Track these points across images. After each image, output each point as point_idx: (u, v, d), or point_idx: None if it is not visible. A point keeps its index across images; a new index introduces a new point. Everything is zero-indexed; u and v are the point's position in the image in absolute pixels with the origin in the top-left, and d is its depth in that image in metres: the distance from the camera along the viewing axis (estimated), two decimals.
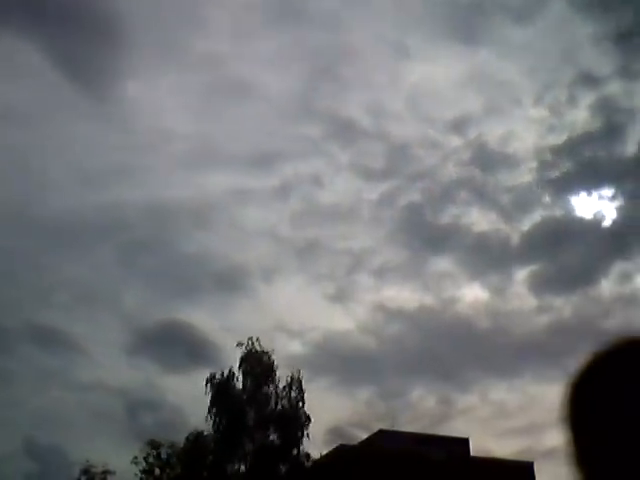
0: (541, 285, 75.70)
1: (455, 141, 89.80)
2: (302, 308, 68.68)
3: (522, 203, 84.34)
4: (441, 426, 66.39)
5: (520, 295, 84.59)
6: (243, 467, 27.12)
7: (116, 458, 42.36)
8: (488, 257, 75.40)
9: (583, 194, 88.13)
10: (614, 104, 79.31)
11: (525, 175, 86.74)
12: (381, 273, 79.45)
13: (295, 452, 27.36)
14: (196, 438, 27.45)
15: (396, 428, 33.63)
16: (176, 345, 53.11)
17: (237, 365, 28.20)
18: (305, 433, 27.61)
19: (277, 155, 77.27)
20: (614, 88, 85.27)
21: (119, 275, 65.71)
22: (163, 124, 74.83)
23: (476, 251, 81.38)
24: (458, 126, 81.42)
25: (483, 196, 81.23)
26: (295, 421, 27.49)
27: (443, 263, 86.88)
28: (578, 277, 77.63)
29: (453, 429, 60.06)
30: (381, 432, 33.30)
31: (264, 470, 26.36)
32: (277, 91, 79.20)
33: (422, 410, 61.51)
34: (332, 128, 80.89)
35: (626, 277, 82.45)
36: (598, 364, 1.21)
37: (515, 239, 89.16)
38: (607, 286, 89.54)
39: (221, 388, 27.76)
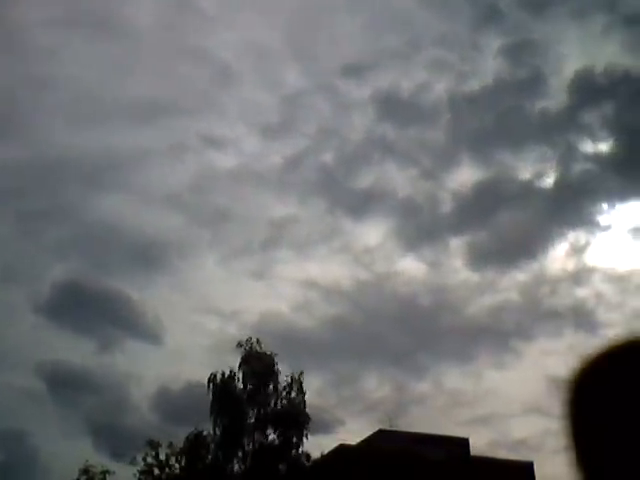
0: (480, 258, 71.36)
1: (355, 91, 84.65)
2: (224, 287, 65.49)
3: (444, 162, 78.03)
4: (399, 417, 62.80)
5: (459, 270, 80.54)
6: (243, 467, 27.10)
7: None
8: (418, 225, 70.66)
9: (509, 151, 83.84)
10: (532, 49, 74.77)
11: (441, 130, 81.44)
12: (303, 245, 74.21)
13: (295, 452, 27.34)
14: (195, 438, 27.37)
15: (395, 428, 33.61)
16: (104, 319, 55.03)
17: (237, 365, 28.31)
18: (305, 433, 27.65)
19: (165, 108, 71.03)
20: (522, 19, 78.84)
21: (24, 249, 61.90)
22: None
23: (404, 219, 76.37)
24: (356, 73, 75.68)
25: (399, 155, 75.47)
26: (295, 421, 27.45)
27: (370, 233, 79.35)
28: (519, 248, 73.02)
29: (413, 420, 56.90)
30: (381, 432, 33.24)
31: (264, 470, 26.33)
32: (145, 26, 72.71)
33: (376, 399, 58.35)
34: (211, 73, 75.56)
35: (573, 248, 78.93)
36: (598, 364, 1.19)
37: (445, 204, 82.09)
38: (552, 259, 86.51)
39: (222, 388, 27.79)
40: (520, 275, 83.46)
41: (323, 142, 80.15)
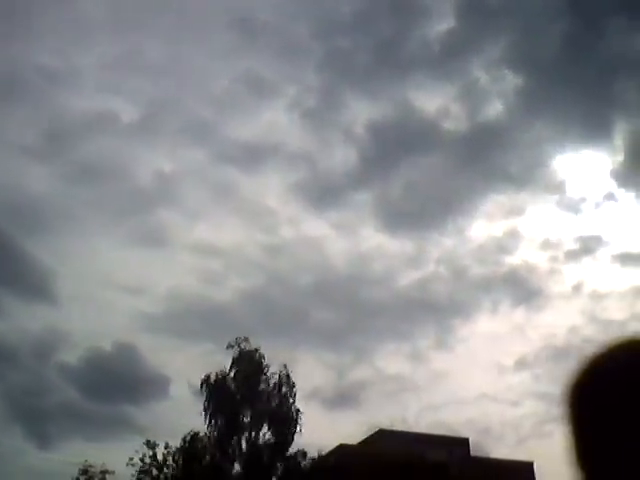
0: (394, 220, 66.02)
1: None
2: (118, 257, 60.19)
3: (332, 103, 69.12)
4: (345, 404, 57.28)
5: (372, 234, 73.48)
6: (239, 466, 27.12)
7: None
8: (317, 179, 63.64)
9: (401, 85, 71.80)
10: None
11: (317, 66, 73.10)
12: (192, 205, 66.97)
13: (290, 449, 27.44)
14: (192, 438, 27.31)
15: (396, 428, 33.55)
16: None
17: (229, 365, 28.43)
18: (298, 428, 27.73)
19: None
20: None
21: None
22: None
23: (301, 172, 70.39)
24: None
25: (268, 93, 70.62)
26: (287, 417, 27.52)
27: (267, 191, 72.19)
28: (435, 206, 66.78)
29: (363, 408, 52.53)
30: (381, 432, 33.19)
31: (260, 469, 26.32)
32: None
33: (313, 387, 56.28)
34: None
35: (496, 207, 73.59)
36: (599, 364, 1.19)
37: (342, 152, 76.03)
38: (474, 220, 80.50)
39: (215, 389, 27.87)
40: (443, 240, 74.93)
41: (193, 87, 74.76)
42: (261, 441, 27.57)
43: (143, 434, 45.60)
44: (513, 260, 78.83)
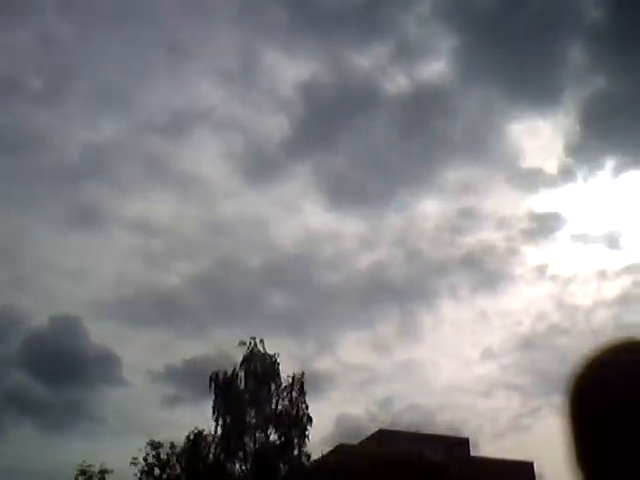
0: (337, 195, 61.83)
1: None
2: (51, 237, 57.68)
3: (252, 62, 64.72)
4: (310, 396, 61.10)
5: (316, 210, 67.46)
6: (244, 467, 27.04)
7: None
8: (249, 148, 59.55)
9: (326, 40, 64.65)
10: None
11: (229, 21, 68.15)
12: (118, 182, 62.33)
13: (296, 452, 27.25)
14: (196, 438, 27.24)
15: (395, 428, 33.58)
16: None
17: (238, 365, 28.30)
18: (306, 434, 27.61)
19: None
20: None
21: None
22: None
23: (232, 141, 65.40)
24: None
25: (185, 56, 64.90)
26: (296, 422, 27.39)
27: (200, 161, 66.81)
28: (382, 180, 61.65)
29: (329, 400, 49.20)
30: (381, 432, 33.24)
31: (265, 470, 26.25)
32: None
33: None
34: None
35: (447, 180, 65.93)
36: (599, 365, 1.19)
37: (274, 118, 70.51)
38: (424, 195, 72.85)
39: (224, 388, 27.76)
40: (393, 219, 70.26)
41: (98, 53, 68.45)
42: (267, 443, 27.55)
43: (98, 422, 45.26)
44: (468, 240, 71.43)
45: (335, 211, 70.02)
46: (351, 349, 54.44)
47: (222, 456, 27.05)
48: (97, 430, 44.70)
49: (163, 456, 27.19)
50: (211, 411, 27.46)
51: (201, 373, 40.49)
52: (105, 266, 62.64)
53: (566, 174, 71.38)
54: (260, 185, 68.46)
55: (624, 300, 73.62)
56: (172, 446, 27.09)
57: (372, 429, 35.40)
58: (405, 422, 43.96)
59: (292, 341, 56.59)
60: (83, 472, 27.89)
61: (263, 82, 68.52)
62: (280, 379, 28.06)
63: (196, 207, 67.29)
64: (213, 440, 27.29)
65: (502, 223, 73.65)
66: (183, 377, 45.07)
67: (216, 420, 27.28)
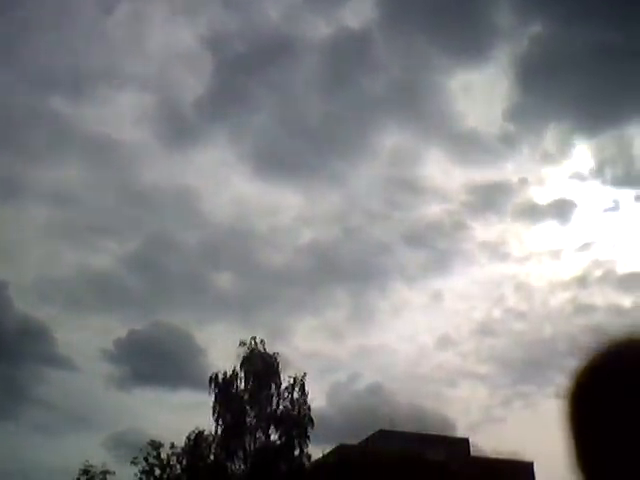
0: (268, 167, 58.97)
1: None
2: None
3: None
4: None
5: (248, 184, 64.34)
6: (244, 467, 27.09)
7: None
8: (162, 112, 55.97)
9: None
10: None
11: None
12: (22, 148, 58.15)
13: (296, 453, 27.33)
14: (196, 438, 27.39)
15: (396, 428, 33.65)
16: None
17: (239, 364, 28.33)
18: (308, 435, 27.60)
19: None
20: None
21: None
22: None
23: (137, 102, 60.68)
24: None
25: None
26: (297, 422, 27.46)
27: (104, 124, 61.40)
28: (309, 149, 58.41)
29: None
30: (381, 432, 33.32)
31: (265, 470, 26.33)
32: None
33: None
34: None
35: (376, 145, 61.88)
36: (599, 363, 1.19)
37: (178, 76, 64.85)
38: (358, 163, 66.43)
39: (224, 388, 27.79)
40: (327, 190, 64.32)
41: None
42: (267, 443, 27.57)
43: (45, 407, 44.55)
44: (410, 215, 66.82)
45: (265, 181, 66.01)
46: (305, 335, 52.16)
47: (222, 456, 27.11)
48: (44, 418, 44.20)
49: (163, 456, 27.42)
50: (211, 411, 27.53)
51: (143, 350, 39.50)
52: (27, 245, 57.94)
53: (505, 139, 66.17)
54: (178, 150, 62.00)
55: (581, 281, 71.32)
56: (172, 446, 27.35)
57: (333, 417, 35.24)
58: (369, 410, 40.95)
59: (242, 327, 54.62)
60: (85, 472, 28.14)
61: (160, 36, 62.92)
62: (280, 379, 28.12)
63: (112, 175, 60.60)
64: (213, 440, 27.36)
65: (443, 196, 68.33)
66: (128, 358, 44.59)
67: (216, 420, 27.35)
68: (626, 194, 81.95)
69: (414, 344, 60.40)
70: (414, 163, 70.84)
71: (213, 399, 27.64)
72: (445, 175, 72.66)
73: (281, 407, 27.85)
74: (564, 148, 69.69)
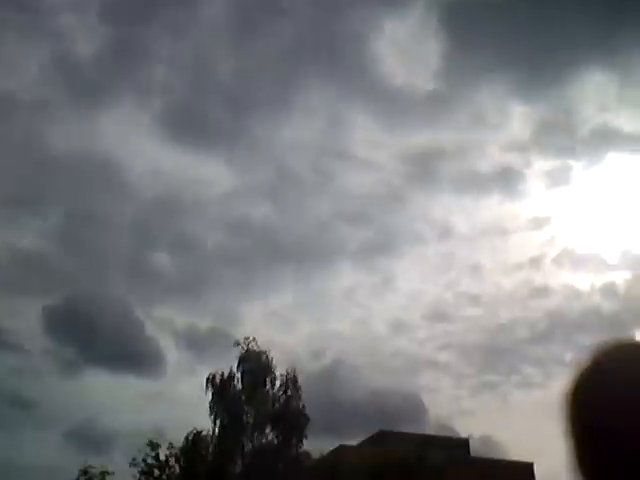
0: (180, 130, 53.88)
1: None
2: None
3: None
4: None
5: (160, 149, 59.41)
6: (242, 467, 27.12)
7: None
8: (52, 62, 49.89)
9: None
10: None
11: None
12: None
13: (294, 451, 27.30)
14: (194, 438, 27.39)
15: (396, 429, 33.62)
16: None
17: (235, 365, 28.34)
18: (305, 434, 27.62)
19: None
20: None
21: None
22: None
23: (27, 53, 54.91)
24: None
25: None
26: (293, 420, 27.49)
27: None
28: (220, 110, 53.05)
29: None
30: (381, 433, 33.27)
31: (263, 470, 26.36)
32: None
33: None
34: None
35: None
36: (599, 366, 1.19)
37: (61, 24, 55.69)
38: (283, 125, 61.61)
39: (221, 388, 27.86)
40: (255, 165, 62.95)
41: None
42: (265, 442, 27.63)
43: None
44: (343, 186, 61.91)
45: (184, 149, 60.80)
46: (254, 323, 50.21)
47: (220, 456, 27.15)
48: None
49: (162, 457, 27.40)
50: (208, 411, 27.61)
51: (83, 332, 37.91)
52: None
53: (439, 101, 61.30)
54: (83, 111, 57.75)
55: (535, 262, 69.28)
56: (171, 446, 27.32)
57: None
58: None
59: (189, 311, 52.35)
60: (85, 472, 28.12)
61: None
62: (276, 377, 28.23)
63: (14, 136, 55.35)
64: (211, 440, 27.42)
65: (376, 165, 64.19)
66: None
67: (214, 420, 27.45)
68: (576, 164, 78.98)
69: (367, 330, 56.74)
70: (341, 128, 64.74)
71: (210, 399, 27.73)
72: (376, 142, 65.02)
73: (277, 406, 27.94)
74: (503, 111, 66.38)
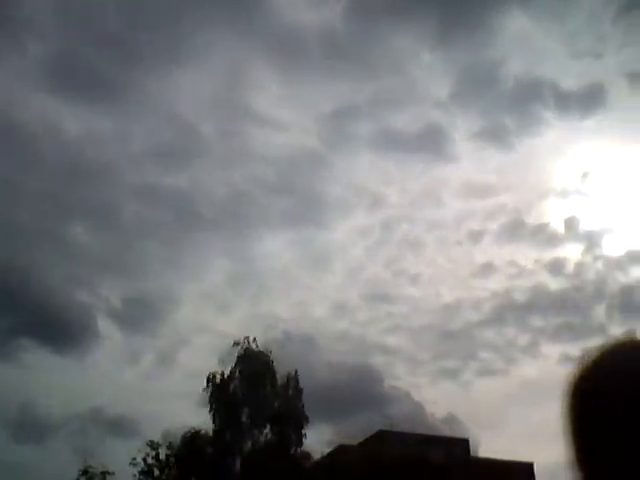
0: (62, 80, 50.19)
1: None
2: None
3: None
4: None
5: (42, 103, 55.90)
6: (241, 466, 27.12)
7: None
8: None
9: None
10: None
11: None
12: None
13: (293, 450, 27.33)
14: (193, 437, 27.40)
15: (395, 429, 33.59)
16: None
17: (234, 364, 28.39)
18: (304, 433, 27.64)
19: None
20: None
21: None
22: None
23: None
24: None
25: None
26: (293, 420, 27.49)
27: None
28: (108, 61, 49.64)
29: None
30: (381, 432, 33.25)
31: (262, 469, 26.38)
32: None
33: None
34: None
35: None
36: (599, 364, 1.19)
37: None
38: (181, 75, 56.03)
39: (219, 387, 27.88)
40: (153, 124, 55.58)
41: None
42: (263, 441, 27.65)
43: None
44: (251, 146, 57.50)
45: (74, 105, 55.66)
46: (189, 306, 47.09)
47: (219, 455, 27.16)
48: None
49: (162, 457, 27.40)
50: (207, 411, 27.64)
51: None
52: None
53: (343, 47, 53.98)
54: None
55: (474, 236, 62.18)
56: (170, 446, 27.31)
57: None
58: None
59: (116, 287, 48.27)
60: (85, 472, 28.10)
61: None
62: (275, 378, 28.19)
63: None
64: (210, 439, 27.42)
65: (286, 125, 58.48)
66: None
67: (212, 419, 27.48)
68: (509, 122, 71.33)
69: (306, 312, 53.11)
70: (242, 81, 58.89)
71: (208, 398, 27.75)
72: (280, 98, 59.29)
73: (276, 406, 27.96)
74: (415, 57, 58.00)
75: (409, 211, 61.48)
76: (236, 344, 28.44)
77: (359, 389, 33.30)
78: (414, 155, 64.45)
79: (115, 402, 35.79)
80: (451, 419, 40.89)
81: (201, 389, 28.05)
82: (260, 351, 28.37)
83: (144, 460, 27.46)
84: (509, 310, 59.71)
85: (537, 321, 67.92)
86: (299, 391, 28.16)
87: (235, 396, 27.85)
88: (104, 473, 27.93)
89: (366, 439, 33.71)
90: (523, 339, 69.40)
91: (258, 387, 27.88)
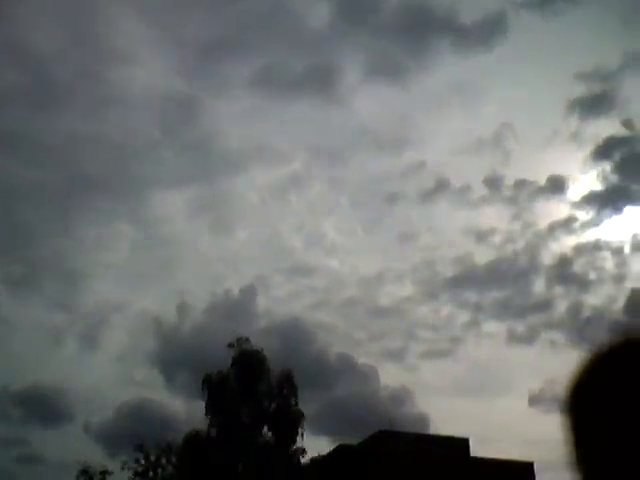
0: None
1: None
2: None
3: None
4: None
5: None
6: (239, 467, 27.09)
7: None
8: None
9: None
10: None
11: None
12: None
13: (292, 450, 27.37)
14: (192, 438, 27.31)
15: (396, 429, 33.51)
16: None
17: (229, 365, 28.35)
18: (300, 431, 27.61)
19: None
20: None
21: None
22: None
23: None
24: None
25: None
26: (289, 418, 27.46)
27: None
28: None
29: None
30: (381, 432, 33.11)
31: (260, 469, 26.32)
32: None
33: None
34: None
35: None
36: (599, 364, 1.18)
37: None
38: None
39: (216, 388, 27.86)
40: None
41: None
42: (262, 441, 27.63)
43: None
44: (122, 96, 53.85)
45: None
46: (102, 279, 44.41)
47: (217, 456, 27.10)
48: None
49: (152, 457, 27.37)
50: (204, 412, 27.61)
51: None
52: None
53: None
54: None
55: (392, 198, 57.65)
56: (168, 447, 27.26)
57: None
58: None
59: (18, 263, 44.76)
60: (84, 472, 28.05)
61: None
62: (270, 375, 28.19)
63: None
64: (208, 440, 27.36)
65: (142, 61, 53.05)
66: None
67: (210, 421, 27.43)
68: (400, 49, 62.38)
69: (218, 286, 50.97)
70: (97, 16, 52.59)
71: (206, 400, 27.72)
72: (148, 33, 53.52)
73: (273, 405, 27.98)
74: None
75: (308, 165, 55.50)
76: (230, 345, 28.42)
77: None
78: (297, 95, 59.42)
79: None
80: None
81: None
82: (255, 351, 28.36)
83: (137, 461, 27.50)
84: (435, 284, 55.83)
85: (470, 296, 61.20)
86: (294, 389, 28.11)
87: (232, 396, 27.77)
88: (103, 473, 27.95)
89: (366, 438, 33.61)
90: (462, 318, 63.16)
91: (254, 387, 27.87)
